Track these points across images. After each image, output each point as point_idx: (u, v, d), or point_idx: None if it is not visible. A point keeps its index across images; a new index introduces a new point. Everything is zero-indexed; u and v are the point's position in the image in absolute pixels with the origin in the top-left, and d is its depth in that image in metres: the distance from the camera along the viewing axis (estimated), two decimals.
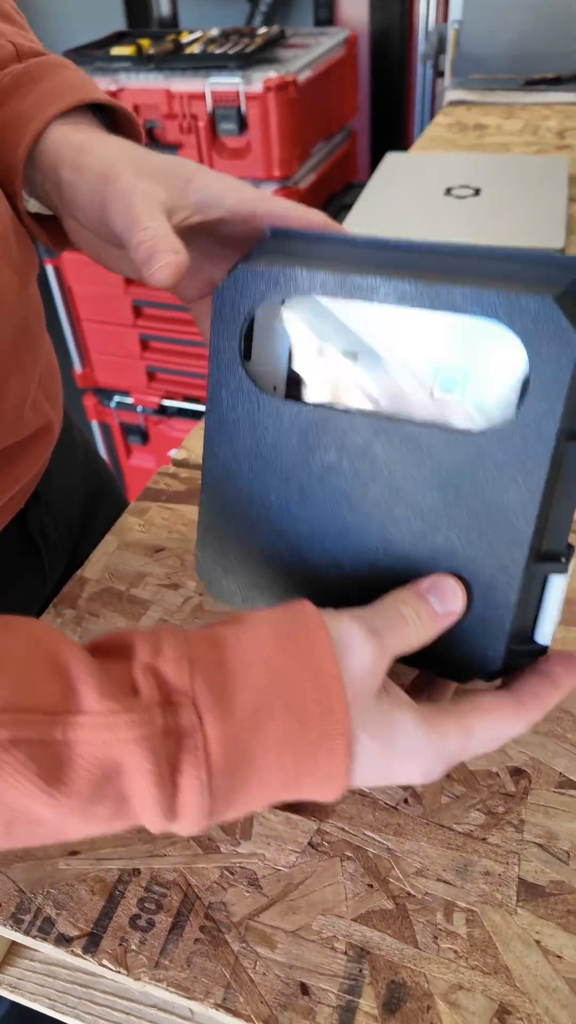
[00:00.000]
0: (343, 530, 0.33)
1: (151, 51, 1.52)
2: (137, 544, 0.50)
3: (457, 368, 0.31)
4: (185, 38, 1.63)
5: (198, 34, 1.65)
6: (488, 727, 0.29)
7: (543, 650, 0.32)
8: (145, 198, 0.36)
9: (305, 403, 0.34)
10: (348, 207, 1.00)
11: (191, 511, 0.53)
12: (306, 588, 0.35)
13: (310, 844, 0.34)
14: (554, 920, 0.31)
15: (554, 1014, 0.28)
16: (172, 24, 2.06)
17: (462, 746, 0.29)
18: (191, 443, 0.60)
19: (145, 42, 1.56)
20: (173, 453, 0.59)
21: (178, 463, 0.58)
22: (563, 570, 0.31)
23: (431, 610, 0.30)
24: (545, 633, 0.31)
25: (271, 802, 0.27)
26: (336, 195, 1.78)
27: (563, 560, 0.30)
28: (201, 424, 0.62)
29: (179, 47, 1.55)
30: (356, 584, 0.33)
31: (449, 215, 0.90)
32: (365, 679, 0.28)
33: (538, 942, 0.30)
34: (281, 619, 0.28)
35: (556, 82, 1.47)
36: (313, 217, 0.37)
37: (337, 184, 1.80)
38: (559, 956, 0.30)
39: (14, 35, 0.44)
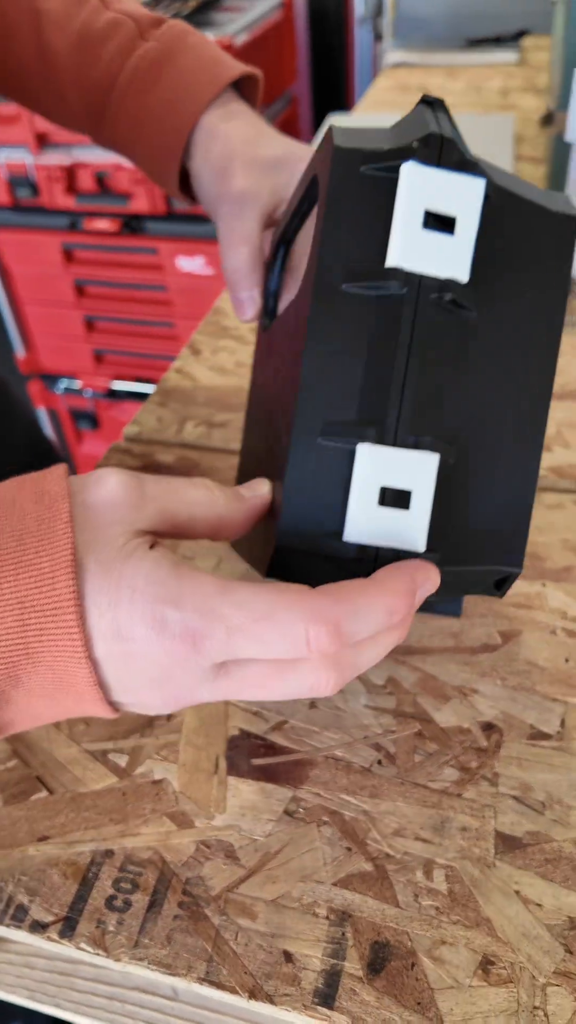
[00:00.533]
0: (266, 416, 0.33)
1: None
2: None
3: None
4: None
5: None
6: (253, 595, 0.24)
7: (358, 563, 0.27)
8: (249, 208, 0.42)
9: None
10: None
11: None
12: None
13: (286, 812, 0.34)
14: (532, 870, 0.31)
15: (536, 960, 0.28)
16: None
17: (210, 604, 0.24)
18: (144, 417, 0.58)
19: None
20: (126, 428, 0.58)
21: (131, 439, 0.57)
22: (366, 438, 0.26)
23: (234, 490, 0.29)
24: (351, 526, 0.26)
25: (14, 674, 0.24)
26: None
27: (370, 426, 0.26)
28: (151, 398, 0.60)
29: None
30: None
31: None
32: (106, 509, 0.26)
33: (517, 892, 0.30)
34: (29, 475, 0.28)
35: (497, 42, 1.46)
36: None
37: None
38: (539, 904, 0.30)
39: (125, 2, 0.47)
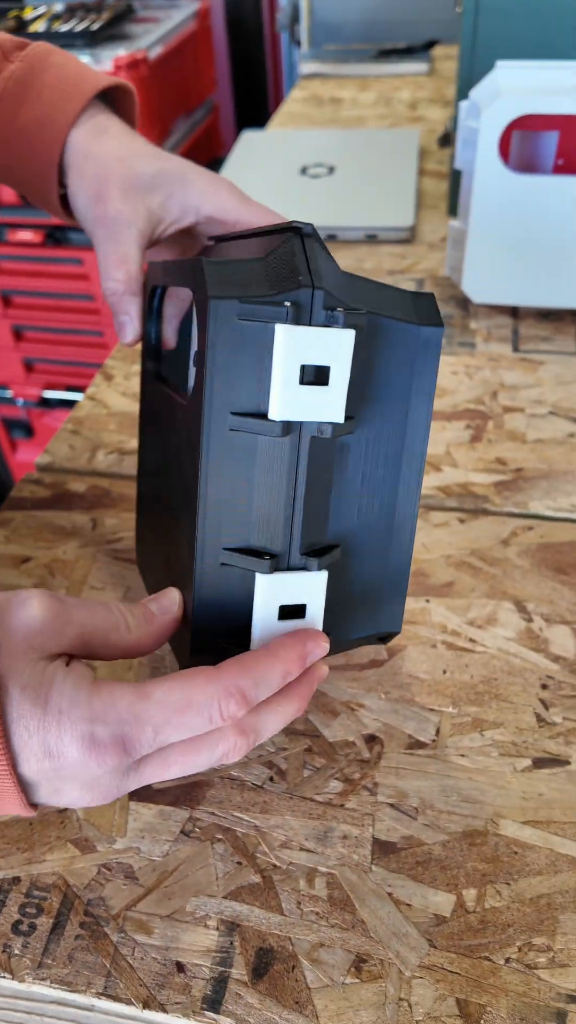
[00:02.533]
0: (167, 503, 0.36)
1: None
2: (2, 556, 0.50)
3: None
4: (28, 14, 1.57)
5: (42, 9, 1.59)
6: (169, 691, 0.28)
7: None
8: (125, 231, 0.42)
9: (162, 384, 0.38)
10: None
11: (57, 517, 0.53)
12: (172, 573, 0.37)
13: (182, 832, 0.36)
14: (404, 872, 0.34)
15: (404, 956, 0.31)
16: None
17: (134, 712, 0.27)
18: (56, 446, 0.60)
19: None
20: (38, 459, 0.59)
21: (42, 468, 0.58)
22: (261, 569, 0.30)
23: (145, 610, 0.31)
24: (255, 638, 0.31)
25: None
26: None
27: (265, 557, 0.30)
28: (64, 426, 0.62)
29: (22, 24, 1.50)
30: (176, 567, 0.34)
31: (305, 195, 0.92)
32: (29, 635, 0.27)
33: (390, 894, 0.33)
34: None
35: (408, 52, 1.50)
36: (274, 219, 0.43)
37: (202, 160, 1.78)
38: (408, 904, 0.33)
39: None
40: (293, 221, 0.31)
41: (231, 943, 0.32)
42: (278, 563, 0.30)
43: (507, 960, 0.31)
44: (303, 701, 0.31)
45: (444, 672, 0.42)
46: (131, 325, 0.43)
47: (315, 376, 0.28)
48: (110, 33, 1.47)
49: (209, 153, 1.84)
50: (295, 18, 1.95)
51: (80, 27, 1.44)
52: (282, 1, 2.03)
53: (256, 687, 0.29)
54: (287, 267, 0.28)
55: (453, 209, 0.84)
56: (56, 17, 1.53)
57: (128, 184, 0.43)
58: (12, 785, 0.27)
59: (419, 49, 1.49)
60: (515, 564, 0.48)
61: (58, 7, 1.59)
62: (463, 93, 0.70)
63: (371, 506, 0.32)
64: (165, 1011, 0.30)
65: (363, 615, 0.35)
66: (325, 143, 1.06)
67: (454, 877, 0.34)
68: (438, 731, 0.39)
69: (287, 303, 0.28)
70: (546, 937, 0.32)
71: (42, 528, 0.52)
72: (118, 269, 0.42)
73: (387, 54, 1.47)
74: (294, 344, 0.27)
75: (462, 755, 0.38)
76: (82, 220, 0.45)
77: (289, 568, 0.31)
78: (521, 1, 0.67)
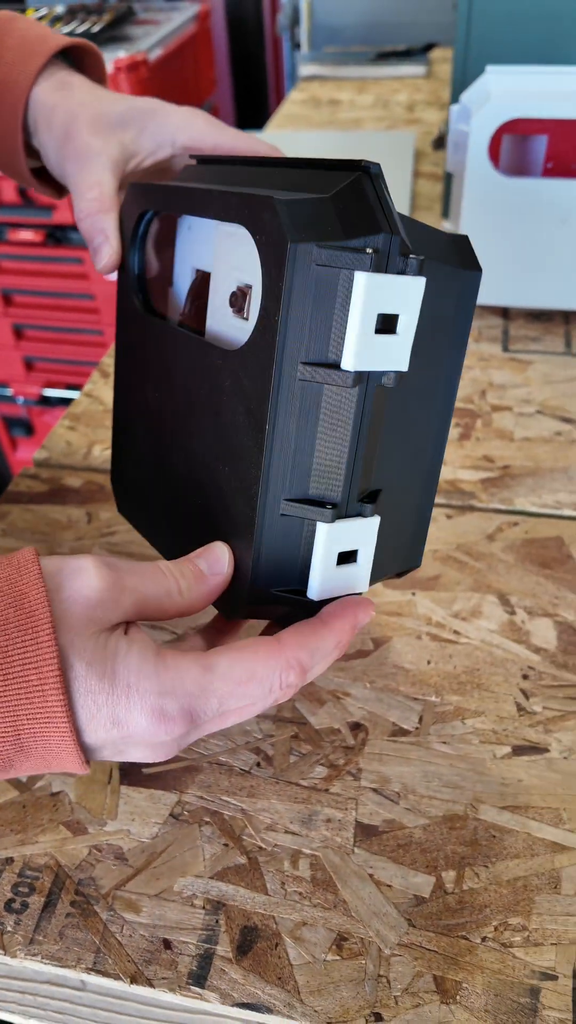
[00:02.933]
0: (183, 447, 0.35)
1: None
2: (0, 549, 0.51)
3: (246, 285, 0.32)
4: (31, 15, 1.58)
5: (43, 11, 1.60)
6: (233, 664, 0.28)
7: (316, 605, 0.32)
8: (95, 161, 0.40)
9: (159, 319, 0.38)
10: None
11: (54, 511, 0.54)
12: (170, 516, 0.37)
13: (171, 815, 0.37)
14: (385, 855, 0.35)
15: (384, 935, 0.32)
16: None
17: (201, 685, 0.28)
18: (52, 442, 0.61)
19: None
20: (35, 454, 0.60)
21: (39, 463, 0.59)
22: (324, 518, 0.30)
23: (196, 569, 0.31)
24: (314, 586, 0.31)
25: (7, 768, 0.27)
26: None
27: (327, 506, 0.30)
28: (61, 422, 0.63)
29: None
30: (200, 514, 0.34)
31: None
32: (88, 607, 0.27)
33: (371, 876, 0.34)
34: None
35: (407, 55, 1.51)
36: (257, 146, 0.41)
37: None
38: (389, 885, 0.34)
39: None
40: (353, 159, 0.29)
41: (216, 921, 0.33)
42: (338, 512, 0.30)
43: (483, 939, 0.32)
44: (344, 649, 0.32)
45: (428, 663, 0.43)
46: (107, 246, 0.40)
47: (384, 324, 0.28)
48: (111, 35, 1.48)
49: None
50: (295, 20, 1.97)
51: (81, 29, 1.45)
52: (283, 3, 2.05)
53: (312, 657, 0.30)
54: (362, 210, 0.27)
55: (447, 211, 0.85)
56: (57, 19, 1.55)
57: (97, 121, 0.41)
58: (75, 753, 0.27)
59: (417, 52, 1.50)
60: (500, 559, 0.49)
61: (59, 9, 1.60)
62: (456, 97, 0.71)
63: (408, 449, 0.32)
64: (152, 986, 0.31)
65: (391, 554, 0.35)
66: (322, 145, 1.07)
67: (434, 860, 0.35)
68: (421, 719, 0.40)
69: (368, 249, 0.26)
70: (522, 917, 0.33)
71: (38, 521, 0.53)
72: (90, 190, 0.40)
73: (386, 56, 1.48)
74: (374, 293, 0.27)
75: (444, 742, 0.39)
76: (54, 168, 0.43)
77: (347, 515, 0.31)
78: (514, 7, 0.68)
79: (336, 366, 0.28)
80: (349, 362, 0.27)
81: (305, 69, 1.47)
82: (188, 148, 0.43)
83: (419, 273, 0.28)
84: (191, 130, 0.42)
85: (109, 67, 1.38)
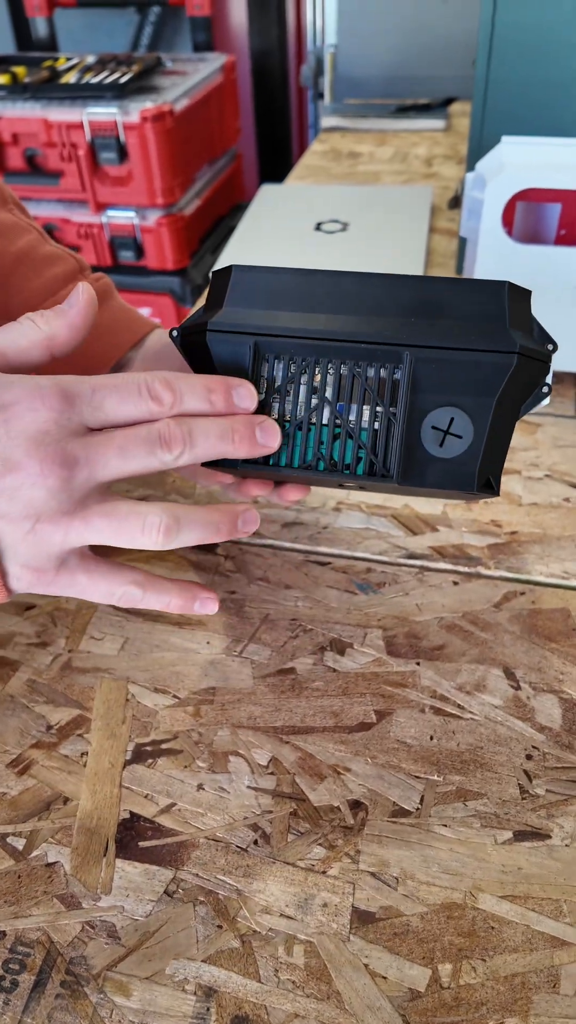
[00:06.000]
0: None
1: (26, 80, 1.52)
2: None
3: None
4: (62, 64, 1.63)
5: (75, 60, 1.65)
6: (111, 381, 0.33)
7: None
8: None
9: None
10: (235, 229, 1.03)
11: None
12: None
13: (166, 892, 0.37)
14: (382, 944, 0.34)
15: None
16: (50, 46, 2.05)
17: (74, 376, 0.32)
18: None
19: (20, 70, 1.55)
20: None
21: None
22: None
23: (55, 308, 0.36)
24: None
25: None
26: (223, 218, 1.81)
27: None
28: None
29: (55, 75, 1.55)
30: None
31: (320, 250, 0.94)
32: None
33: (366, 966, 0.34)
34: None
35: (426, 108, 1.54)
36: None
37: (223, 207, 1.83)
38: (384, 977, 0.33)
39: (64, 250, 0.57)
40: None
41: (208, 1008, 0.33)
42: None
43: None
44: (232, 438, 0.35)
45: (431, 738, 0.42)
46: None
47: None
48: (139, 85, 1.52)
49: (230, 200, 1.88)
50: (319, 71, 2.02)
51: (110, 79, 1.49)
52: (307, 54, 2.10)
53: (178, 380, 0.34)
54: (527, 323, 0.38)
55: (460, 267, 0.85)
56: (88, 69, 1.59)
57: None
58: None
59: (437, 105, 1.53)
60: (506, 629, 0.48)
61: (90, 59, 1.65)
62: (472, 164, 0.72)
63: None
64: None
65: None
66: (340, 198, 1.09)
67: (430, 951, 0.34)
68: (422, 799, 0.39)
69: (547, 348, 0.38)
70: (519, 1018, 0.32)
71: None
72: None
73: (406, 110, 1.51)
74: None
75: (445, 825, 0.38)
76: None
77: None
78: (530, 75, 0.69)
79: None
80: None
81: (327, 121, 1.50)
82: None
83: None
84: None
85: (135, 117, 1.41)
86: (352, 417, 0.37)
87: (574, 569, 0.52)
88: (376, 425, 0.37)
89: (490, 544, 0.55)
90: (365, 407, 0.37)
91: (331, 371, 0.37)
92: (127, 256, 1.60)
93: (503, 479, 0.61)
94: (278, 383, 0.38)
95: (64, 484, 0.32)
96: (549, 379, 0.39)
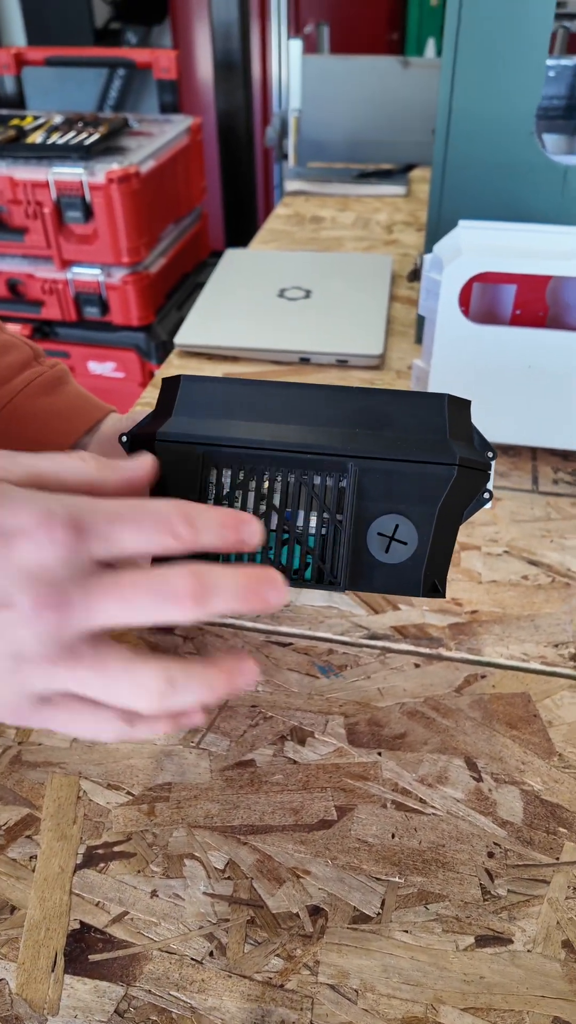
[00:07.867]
0: None
1: None
2: None
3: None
4: (28, 124, 1.65)
5: (42, 119, 1.67)
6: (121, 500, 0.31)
7: None
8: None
9: None
10: (201, 285, 1.04)
11: None
12: None
13: (116, 1012, 0.35)
14: None
15: None
16: (18, 103, 2.08)
17: (90, 501, 0.30)
18: None
19: None
20: None
21: None
22: None
23: (110, 461, 0.34)
24: None
25: None
26: (189, 274, 1.83)
27: None
28: None
29: (21, 134, 1.57)
30: None
31: (282, 317, 0.95)
32: None
33: None
34: None
35: (387, 174, 1.58)
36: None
37: (189, 264, 1.85)
38: None
39: (19, 338, 0.57)
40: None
41: None
42: None
43: None
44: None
45: (393, 836, 0.41)
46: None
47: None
48: (105, 146, 1.54)
49: (196, 257, 1.91)
50: (284, 133, 2.07)
51: (76, 140, 1.51)
52: (272, 116, 2.15)
53: (198, 516, 0.30)
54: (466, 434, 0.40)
55: (420, 337, 0.87)
56: (54, 128, 1.61)
57: None
58: None
59: (398, 172, 1.58)
60: (467, 716, 0.48)
61: (57, 119, 1.67)
62: (431, 243, 0.74)
63: None
64: None
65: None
66: (303, 265, 1.11)
67: None
68: (383, 903, 0.39)
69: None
70: None
71: None
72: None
73: (368, 176, 1.55)
74: None
75: (406, 930, 0.38)
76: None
77: None
78: (485, 161, 0.71)
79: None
80: None
81: (291, 184, 1.53)
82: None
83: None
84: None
85: (101, 178, 1.43)
86: (300, 523, 0.37)
87: (533, 651, 0.52)
88: (323, 531, 0.37)
89: (451, 624, 0.55)
90: (312, 514, 0.37)
91: (279, 479, 0.37)
92: (92, 312, 1.60)
93: (463, 555, 0.61)
94: (226, 490, 0.38)
95: (54, 629, 0.28)
96: (490, 485, 0.40)
